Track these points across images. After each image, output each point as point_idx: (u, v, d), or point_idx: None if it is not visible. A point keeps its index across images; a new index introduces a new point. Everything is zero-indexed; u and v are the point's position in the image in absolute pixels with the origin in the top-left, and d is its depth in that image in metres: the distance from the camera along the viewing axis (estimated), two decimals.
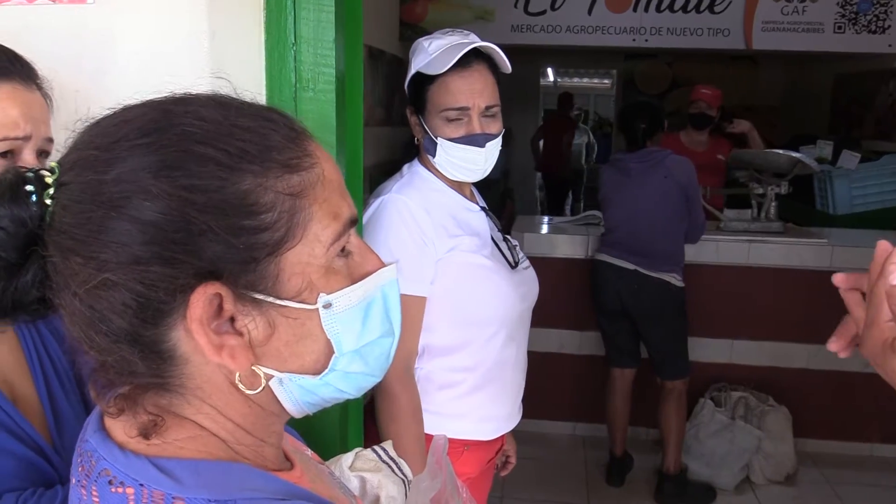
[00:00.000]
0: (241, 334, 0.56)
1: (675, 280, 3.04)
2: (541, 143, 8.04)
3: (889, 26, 5.20)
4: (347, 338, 0.61)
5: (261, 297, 0.56)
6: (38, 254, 0.56)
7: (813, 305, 3.40)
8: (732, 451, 3.24)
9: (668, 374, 3.13)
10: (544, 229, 3.75)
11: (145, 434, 0.58)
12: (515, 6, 5.43)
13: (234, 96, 0.61)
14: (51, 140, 0.98)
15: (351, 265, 0.63)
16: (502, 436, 1.59)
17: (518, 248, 1.61)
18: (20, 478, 0.87)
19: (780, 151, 3.56)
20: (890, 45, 5.20)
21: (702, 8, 5.37)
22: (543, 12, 5.46)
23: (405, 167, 1.56)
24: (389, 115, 5.21)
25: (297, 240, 0.57)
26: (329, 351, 0.60)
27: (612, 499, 3.21)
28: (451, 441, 1.46)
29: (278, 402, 0.61)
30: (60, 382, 1.00)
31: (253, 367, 0.58)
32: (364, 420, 1.46)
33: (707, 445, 3.27)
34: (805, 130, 6.12)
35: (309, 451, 0.79)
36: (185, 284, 0.54)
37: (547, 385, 3.38)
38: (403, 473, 0.93)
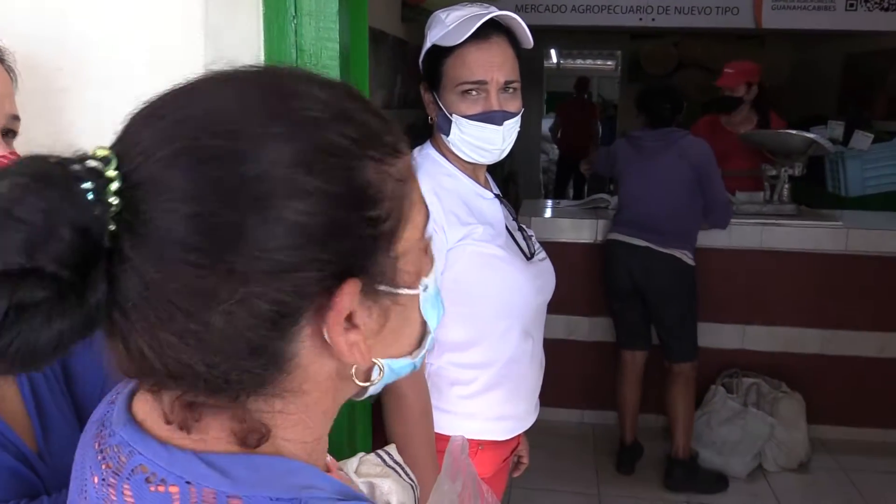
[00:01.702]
0: (359, 328, 0.53)
1: (686, 258, 3.02)
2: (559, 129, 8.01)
3: None
4: (433, 316, 0.62)
5: (383, 288, 0.54)
6: (104, 271, 0.46)
7: (827, 289, 3.35)
8: (744, 439, 3.18)
9: (676, 357, 3.09)
10: (551, 213, 3.68)
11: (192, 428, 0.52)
12: None
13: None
14: (17, 118, 0.90)
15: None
16: (518, 435, 1.51)
17: (534, 238, 1.53)
18: (0, 489, 0.80)
19: (794, 132, 3.47)
20: None
21: None
22: None
23: (415, 150, 1.48)
24: (392, 97, 5.14)
25: (406, 226, 0.55)
26: (423, 331, 0.62)
27: (622, 487, 3.15)
28: None
29: (357, 389, 0.60)
30: (48, 383, 0.93)
31: (373, 361, 0.57)
32: (372, 421, 1.39)
33: (719, 433, 3.21)
34: (813, 111, 6.02)
35: (328, 457, 0.73)
36: (327, 287, 0.49)
37: (555, 372, 3.28)
38: (410, 478, 0.89)
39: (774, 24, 5.27)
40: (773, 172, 3.49)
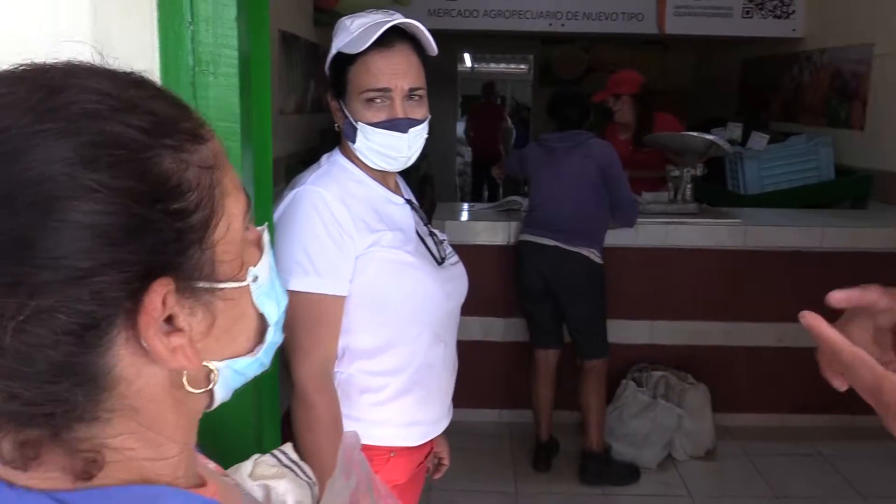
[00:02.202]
0: (183, 331, 0.50)
1: (595, 256, 3.11)
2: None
3: (794, 11, 5.38)
4: (271, 307, 0.59)
5: (202, 284, 0.51)
6: None
7: (728, 284, 3.51)
8: (655, 430, 3.30)
9: (588, 354, 3.17)
10: (465, 216, 3.71)
11: (84, 472, 0.48)
12: None
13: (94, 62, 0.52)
14: None
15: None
16: (431, 440, 1.52)
17: (446, 243, 1.54)
18: None
19: (695, 134, 3.62)
20: (794, 30, 5.39)
21: None
22: None
23: (324, 157, 1.46)
24: (305, 102, 5.08)
25: (220, 216, 0.52)
26: (261, 325, 0.59)
27: (539, 484, 3.21)
28: (377, 448, 1.39)
29: (209, 395, 0.56)
30: None
31: (204, 364, 0.53)
32: (281, 431, 1.37)
33: (630, 426, 3.32)
34: (715, 113, 6.29)
35: (212, 464, 0.72)
36: (133, 290, 0.46)
37: (472, 374, 3.32)
38: (308, 476, 0.88)
39: (676, 30, 5.49)
40: (676, 173, 3.62)
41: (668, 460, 3.36)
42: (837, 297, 0.70)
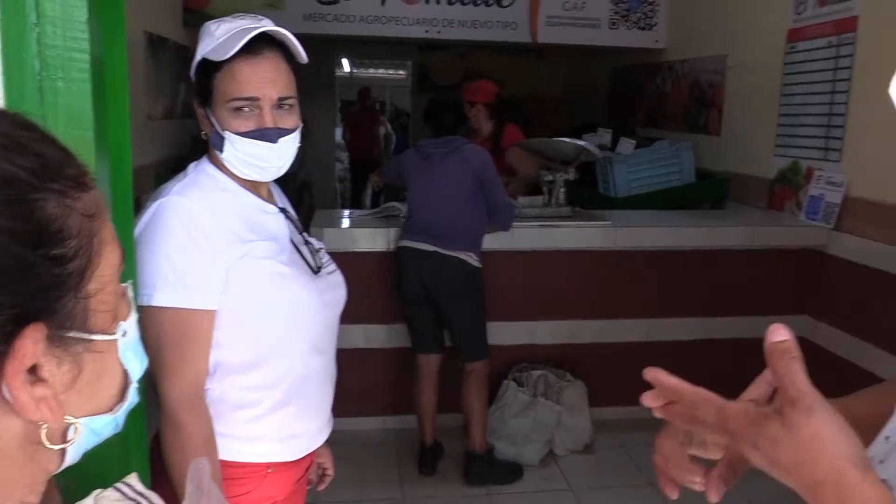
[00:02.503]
0: (46, 381, 0.47)
1: (472, 260, 3.15)
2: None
3: (656, 23, 5.68)
4: (135, 364, 0.58)
5: (73, 334, 0.49)
6: None
7: (600, 283, 3.66)
8: (536, 428, 3.39)
9: (469, 357, 3.22)
10: (344, 223, 3.68)
11: None
12: None
13: None
14: None
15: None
16: (311, 452, 1.49)
17: (323, 251, 1.51)
18: None
19: (567, 140, 3.75)
20: (657, 41, 5.69)
21: (490, 2, 5.54)
22: (336, 1, 5.37)
23: (191, 166, 1.40)
24: (175, 106, 4.88)
25: (97, 266, 0.51)
26: (125, 382, 0.57)
27: (425, 487, 3.23)
28: (253, 465, 1.35)
29: (61, 454, 0.53)
30: None
31: (65, 419, 0.51)
32: (150, 455, 1.31)
33: (512, 425, 3.39)
34: (587, 119, 6.55)
35: None
36: (5, 334, 0.44)
37: (354, 382, 3.31)
38: None
39: (548, 39, 5.67)
40: (550, 178, 3.74)
41: (550, 456, 3.46)
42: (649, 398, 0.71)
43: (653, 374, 0.68)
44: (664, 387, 0.67)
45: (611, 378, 3.72)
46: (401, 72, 11.02)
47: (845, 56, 3.60)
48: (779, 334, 0.60)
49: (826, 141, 3.73)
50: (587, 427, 3.54)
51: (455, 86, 8.23)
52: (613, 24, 5.66)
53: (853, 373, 3.31)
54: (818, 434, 0.57)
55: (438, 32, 5.59)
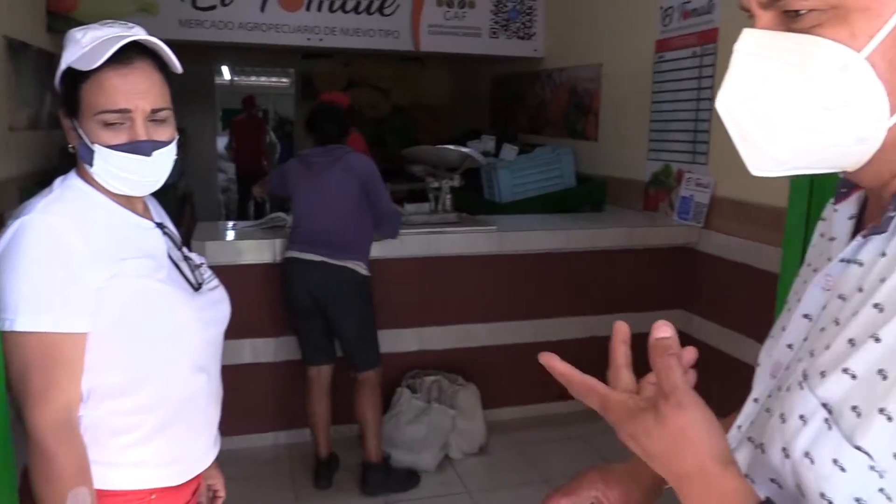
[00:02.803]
0: None
1: (361, 268, 3.14)
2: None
3: (535, 33, 5.86)
4: None
5: None
6: None
7: (488, 287, 3.73)
8: (431, 434, 3.41)
9: (361, 366, 3.19)
10: (228, 236, 3.58)
11: None
12: None
13: None
14: None
15: None
16: (198, 475, 1.44)
17: (204, 266, 1.46)
18: None
19: (451, 147, 3.80)
20: (535, 50, 5.88)
21: (372, 10, 5.55)
22: (213, 7, 5.23)
23: (57, 180, 1.32)
24: (41, 116, 4.61)
25: None
26: None
27: (322, 501, 3.18)
28: (135, 492, 1.29)
29: None
30: None
31: None
32: (20, 488, 1.23)
33: (407, 432, 3.40)
34: (471, 126, 6.67)
35: None
36: None
37: (244, 399, 3.24)
38: None
39: (430, 48, 5.74)
40: (436, 184, 3.79)
41: (446, 461, 3.48)
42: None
43: (546, 358, 0.71)
44: (556, 372, 0.71)
45: (502, 379, 3.81)
46: (284, 79, 10.83)
47: (708, 65, 3.84)
48: (661, 331, 0.64)
49: (693, 145, 3.96)
50: (481, 429, 3.59)
51: (341, 92, 8.20)
52: (494, 33, 5.80)
53: (725, 361, 3.53)
54: (685, 428, 0.61)
55: (320, 40, 5.55)
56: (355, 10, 5.52)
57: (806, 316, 0.69)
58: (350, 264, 3.09)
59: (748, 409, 0.75)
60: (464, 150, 3.79)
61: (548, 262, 3.78)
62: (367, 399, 3.17)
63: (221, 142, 8.98)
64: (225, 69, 9.99)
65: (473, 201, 4.68)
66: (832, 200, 0.76)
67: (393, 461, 3.34)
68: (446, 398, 3.52)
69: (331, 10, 5.49)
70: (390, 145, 8.19)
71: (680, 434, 0.61)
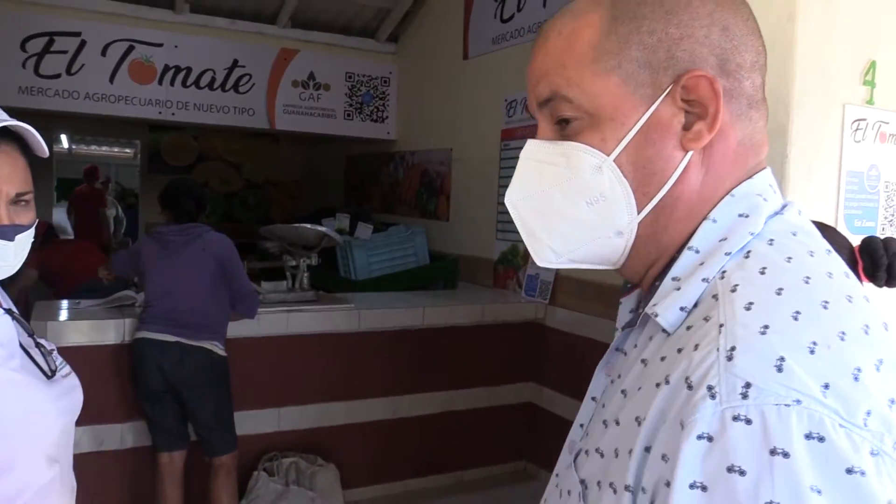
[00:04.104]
0: None
1: (218, 349, 3.08)
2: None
3: (387, 116, 6.10)
4: None
5: None
6: None
7: (347, 365, 3.75)
8: None
9: (216, 450, 3.09)
10: (68, 315, 3.38)
11: None
12: (24, 66, 4.90)
13: None
14: None
15: None
16: None
17: (55, 353, 1.41)
18: None
19: (309, 226, 3.85)
20: (388, 133, 6.11)
21: (227, 87, 5.57)
22: (58, 76, 5.04)
23: None
24: None
25: None
26: None
27: None
28: None
29: None
30: None
31: None
32: None
33: None
34: (325, 203, 6.75)
35: None
36: None
37: (87, 491, 3.02)
38: None
39: (285, 127, 5.81)
40: (294, 263, 3.80)
41: None
42: None
43: None
44: None
45: (361, 458, 3.80)
46: (127, 150, 10.44)
47: None
48: None
49: None
50: None
51: (189, 167, 8.04)
52: (348, 115, 5.98)
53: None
54: None
55: (172, 115, 5.47)
56: (209, 86, 5.52)
57: (594, 398, 0.79)
58: (207, 345, 3.03)
59: (550, 485, 0.80)
60: (322, 229, 3.85)
61: (405, 338, 3.87)
62: (223, 485, 3.06)
63: (58, 213, 8.47)
64: (64, 137, 9.50)
65: (329, 279, 4.72)
66: (620, 301, 0.85)
67: None
68: (305, 480, 3.46)
69: (184, 84, 5.45)
70: (242, 221, 8.09)
71: None
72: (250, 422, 3.43)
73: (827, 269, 0.62)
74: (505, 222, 4.56)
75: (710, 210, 0.68)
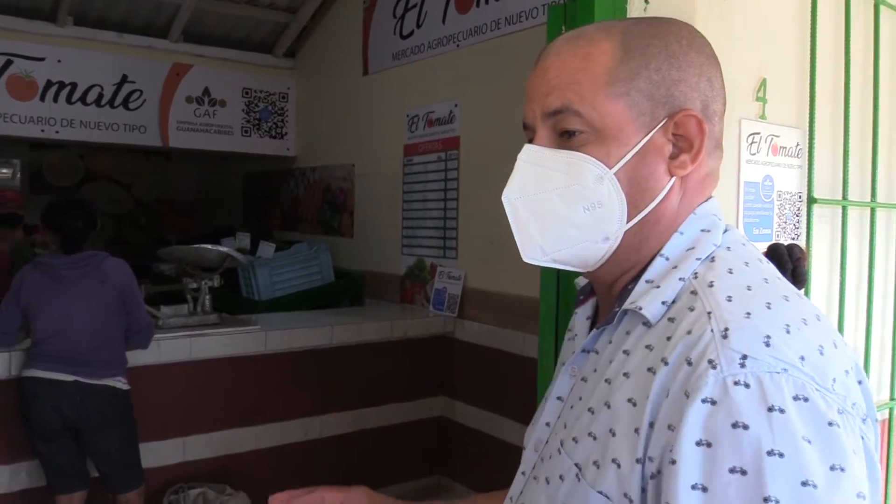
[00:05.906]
0: None
1: (120, 384, 2.93)
2: None
3: (286, 133, 6.01)
4: None
5: None
6: None
7: (255, 388, 3.65)
8: None
9: (121, 487, 2.94)
10: None
11: None
12: None
13: None
14: None
15: None
16: None
17: None
18: None
19: (210, 247, 3.73)
20: (288, 149, 6.01)
21: (116, 104, 5.34)
22: None
23: None
24: None
25: None
26: None
27: None
28: None
29: None
30: None
31: None
32: None
33: None
34: (222, 222, 6.55)
35: None
36: None
37: None
38: None
39: (180, 144, 5.62)
40: (195, 285, 3.67)
41: None
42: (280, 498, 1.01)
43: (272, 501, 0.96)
44: None
45: (273, 484, 3.66)
46: (5, 169, 9.78)
47: (452, 169, 4.22)
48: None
49: (444, 241, 4.29)
50: None
51: (76, 186, 7.63)
52: (246, 131, 5.84)
53: (486, 442, 3.76)
54: None
55: (56, 132, 5.18)
56: (97, 102, 5.26)
57: (559, 398, 0.85)
58: (109, 382, 2.85)
59: (517, 482, 0.87)
60: (224, 249, 3.74)
61: (313, 358, 3.80)
62: None
63: None
64: None
65: (231, 300, 4.58)
66: (575, 311, 0.94)
67: None
68: None
69: (69, 101, 5.17)
70: (133, 243, 7.74)
71: None
72: (154, 454, 3.27)
73: (773, 272, 0.75)
74: (411, 237, 4.56)
75: (679, 225, 0.79)
